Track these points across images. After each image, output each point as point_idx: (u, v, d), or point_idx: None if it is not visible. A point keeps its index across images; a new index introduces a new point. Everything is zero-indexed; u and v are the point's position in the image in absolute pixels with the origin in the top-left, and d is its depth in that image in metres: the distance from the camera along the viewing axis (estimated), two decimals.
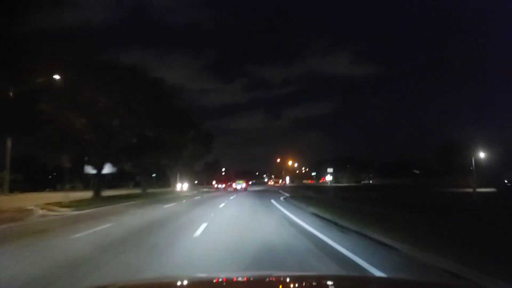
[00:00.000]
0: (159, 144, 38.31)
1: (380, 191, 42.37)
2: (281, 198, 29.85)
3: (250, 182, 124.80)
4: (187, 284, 2.76)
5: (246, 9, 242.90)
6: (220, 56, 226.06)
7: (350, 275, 4.92)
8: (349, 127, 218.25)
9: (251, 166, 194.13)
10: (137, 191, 48.59)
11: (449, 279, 5.28)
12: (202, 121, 59.78)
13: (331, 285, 2.75)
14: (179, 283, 2.83)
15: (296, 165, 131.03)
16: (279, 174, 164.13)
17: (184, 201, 28.56)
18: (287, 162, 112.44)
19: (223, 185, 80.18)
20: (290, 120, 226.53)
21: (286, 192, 44.44)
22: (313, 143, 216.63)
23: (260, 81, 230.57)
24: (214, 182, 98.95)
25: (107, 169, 52.45)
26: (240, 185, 64.40)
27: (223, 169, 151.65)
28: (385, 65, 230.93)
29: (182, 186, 64.42)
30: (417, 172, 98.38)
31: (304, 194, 35.60)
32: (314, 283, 2.87)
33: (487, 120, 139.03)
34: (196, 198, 33.89)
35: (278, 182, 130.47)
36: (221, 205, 22.39)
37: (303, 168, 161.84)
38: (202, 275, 4.43)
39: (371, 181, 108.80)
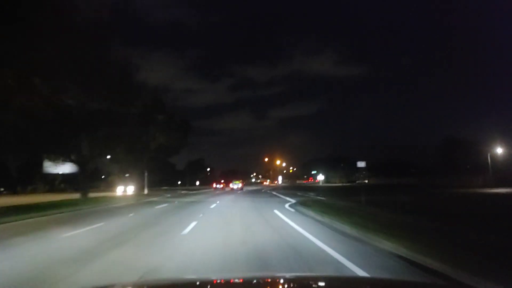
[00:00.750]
0: (89, 120, 26.76)
1: (390, 193, 36.05)
2: (287, 206, 21.09)
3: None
4: (186, 285, 2.84)
5: (232, 7, 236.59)
6: (205, 56, 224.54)
7: (344, 276, 4.81)
8: (337, 127, 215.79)
9: (237, 166, 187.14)
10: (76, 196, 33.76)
11: None
12: (175, 108, 49.30)
13: (327, 286, 2.74)
14: (178, 285, 2.88)
15: (284, 164, 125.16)
16: (267, 174, 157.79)
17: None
18: (275, 162, 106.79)
19: (221, 186, 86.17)
20: (277, 120, 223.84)
21: (283, 193, 37.52)
22: (301, 143, 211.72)
23: (246, 81, 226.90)
24: (214, 184, 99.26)
25: (67, 168, 43.64)
26: (236, 185, 65.78)
27: (208, 169, 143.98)
28: (372, 65, 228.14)
29: (125, 188, 49.47)
30: (414, 171, 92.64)
31: (308, 197, 28.49)
32: (311, 284, 2.79)
33: (484, 118, 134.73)
34: (144, 212, 19.57)
35: (266, 182, 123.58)
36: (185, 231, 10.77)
37: (291, 168, 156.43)
38: (200, 276, 4.33)
39: (367, 181, 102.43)
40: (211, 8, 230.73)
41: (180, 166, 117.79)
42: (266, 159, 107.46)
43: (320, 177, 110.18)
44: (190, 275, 5.30)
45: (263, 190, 52.83)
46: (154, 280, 4.05)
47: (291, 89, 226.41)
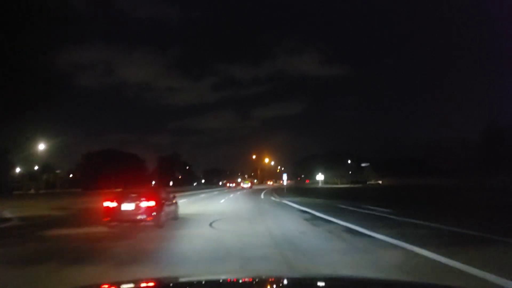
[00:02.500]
0: None
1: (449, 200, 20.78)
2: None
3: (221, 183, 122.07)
4: (185, 285, 2.78)
5: (215, 5, 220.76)
6: (187, 54, 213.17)
7: (345, 276, 4.57)
8: (326, 125, 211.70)
9: (221, 165, 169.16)
10: None
11: None
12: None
13: (327, 286, 2.70)
14: (177, 284, 2.79)
15: (272, 163, 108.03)
16: (254, 173, 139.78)
17: None
18: (263, 160, 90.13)
19: (233, 184, 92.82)
20: (261, 120, 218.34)
21: (298, 202, 21.35)
22: (289, 142, 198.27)
23: (229, 80, 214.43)
24: (225, 182, 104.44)
25: None
26: (246, 184, 71.07)
27: (187, 167, 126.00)
28: (355, 65, 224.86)
29: None
30: (436, 170, 76.20)
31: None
32: (311, 284, 2.79)
33: None
34: None
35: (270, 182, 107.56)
36: None
37: (279, 167, 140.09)
38: (201, 276, 4.27)
39: (380, 182, 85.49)
40: (194, 5, 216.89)
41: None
42: (254, 156, 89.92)
43: (319, 177, 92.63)
44: (190, 275, 5.12)
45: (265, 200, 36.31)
46: (154, 279, 3.74)
47: (275, 89, 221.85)
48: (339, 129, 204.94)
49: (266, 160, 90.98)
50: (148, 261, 6.78)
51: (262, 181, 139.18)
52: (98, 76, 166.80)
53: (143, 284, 2.82)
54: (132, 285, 2.75)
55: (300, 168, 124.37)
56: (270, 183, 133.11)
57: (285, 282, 2.79)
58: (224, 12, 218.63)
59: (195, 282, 2.87)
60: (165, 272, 5.86)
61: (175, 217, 13.23)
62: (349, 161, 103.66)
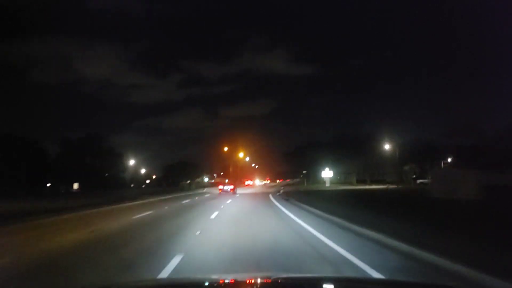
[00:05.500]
0: None
1: None
2: None
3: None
4: (186, 285, 2.90)
5: None
6: (151, 49, 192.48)
7: (345, 277, 4.81)
8: (289, 126, 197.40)
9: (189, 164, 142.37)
10: None
11: None
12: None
13: (327, 286, 2.69)
14: (177, 285, 2.94)
15: (248, 159, 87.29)
16: (225, 172, 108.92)
17: None
18: (237, 154, 71.36)
19: (231, 187, 72.58)
20: (230, 119, 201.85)
21: None
22: (261, 140, 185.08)
23: (196, 77, 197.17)
24: (215, 182, 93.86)
25: None
26: (228, 187, 60.88)
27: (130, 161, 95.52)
28: (324, 64, 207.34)
29: None
30: None
31: None
32: (311, 285, 2.78)
33: None
34: None
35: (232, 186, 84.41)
36: None
37: (253, 165, 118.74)
38: (202, 276, 4.53)
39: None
40: None
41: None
42: (226, 149, 65.60)
43: (327, 174, 70.19)
44: (189, 275, 5.33)
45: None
46: (154, 280, 4.14)
47: (243, 87, 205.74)
48: (307, 130, 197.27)
49: (241, 155, 70.89)
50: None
51: (235, 181, 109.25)
52: (55, 72, 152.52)
53: (152, 285, 3.15)
54: (137, 285, 3.11)
55: (299, 159, 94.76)
56: (249, 182, 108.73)
57: (285, 282, 2.82)
58: (191, 6, 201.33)
59: (197, 283, 3.01)
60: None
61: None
62: (386, 146, 60.79)
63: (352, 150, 74.68)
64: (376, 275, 5.39)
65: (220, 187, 52.77)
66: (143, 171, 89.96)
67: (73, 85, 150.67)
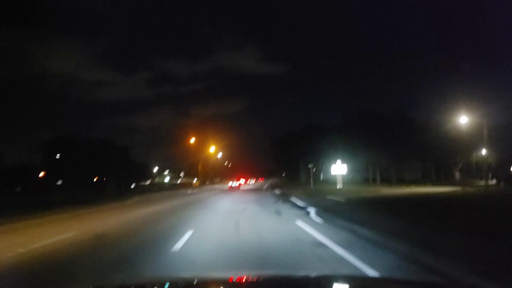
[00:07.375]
0: None
1: None
2: None
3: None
4: (185, 285, 2.82)
5: None
6: (118, 44, 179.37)
7: (345, 275, 4.57)
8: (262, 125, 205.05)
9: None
10: None
11: None
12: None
13: (327, 286, 2.69)
14: (177, 284, 2.84)
15: (220, 154, 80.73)
16: (191, 169, 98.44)
17: None
18: (207, 149, 64.28)
19: (238, 183, 69.13)
20: (201, 118, 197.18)
21: None
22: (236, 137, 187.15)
23: (165, 75, 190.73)
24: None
25: None
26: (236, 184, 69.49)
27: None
28: (294, 63, 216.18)
29: None
30: None
31: None
32: (311, 284, 2.75)
33: None
34: None
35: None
36: None
37: (227, 163, 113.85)
38: (200, 275, 4.56)
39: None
40: None
41: None
42: (193, 140, 57.27)
43: (339, 171, 39.76)
44: (188, 275, 5.33)
45: None
46: (154, 279, 4.13)
47: (214, 86, 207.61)
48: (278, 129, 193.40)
49: (212, 149, 64.52)
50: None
51: (205, 180, 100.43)
52: (12, 67, 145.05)
53: (151, 285, 2.97)
54: (142, 285, 2.97)
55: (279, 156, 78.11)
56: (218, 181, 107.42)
57: (285, 282, 2.77)
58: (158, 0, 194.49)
59: (196, 282, 2.90)
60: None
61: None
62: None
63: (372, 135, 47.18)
64: None
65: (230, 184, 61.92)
66: None
67: (33, 81, 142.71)
